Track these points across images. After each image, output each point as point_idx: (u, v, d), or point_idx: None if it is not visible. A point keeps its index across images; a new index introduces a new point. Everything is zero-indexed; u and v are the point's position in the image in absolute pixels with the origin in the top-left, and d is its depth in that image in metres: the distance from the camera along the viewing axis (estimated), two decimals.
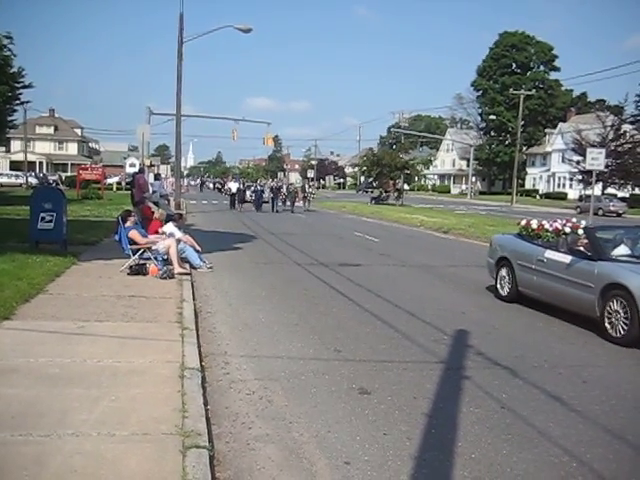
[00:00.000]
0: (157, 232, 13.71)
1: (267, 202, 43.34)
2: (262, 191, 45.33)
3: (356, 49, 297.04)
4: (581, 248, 10.01)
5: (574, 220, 10.85)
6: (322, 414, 5.81)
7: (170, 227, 14.16)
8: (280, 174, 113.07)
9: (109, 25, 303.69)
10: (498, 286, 11.90)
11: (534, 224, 11.41)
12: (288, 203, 43.14)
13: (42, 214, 13.89)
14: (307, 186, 47.04)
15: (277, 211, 41.03)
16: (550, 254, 10.56)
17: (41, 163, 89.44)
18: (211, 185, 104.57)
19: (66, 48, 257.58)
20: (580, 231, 10.43)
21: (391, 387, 6.62)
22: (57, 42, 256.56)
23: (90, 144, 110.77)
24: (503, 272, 11.78)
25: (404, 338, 8.59)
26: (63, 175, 74.14)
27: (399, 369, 7.26)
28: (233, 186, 44.01)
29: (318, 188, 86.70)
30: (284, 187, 46.39)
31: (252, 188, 46.33)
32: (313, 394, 6.33)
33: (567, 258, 10.11)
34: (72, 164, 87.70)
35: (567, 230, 10.60)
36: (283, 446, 5.11)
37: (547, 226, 11.00)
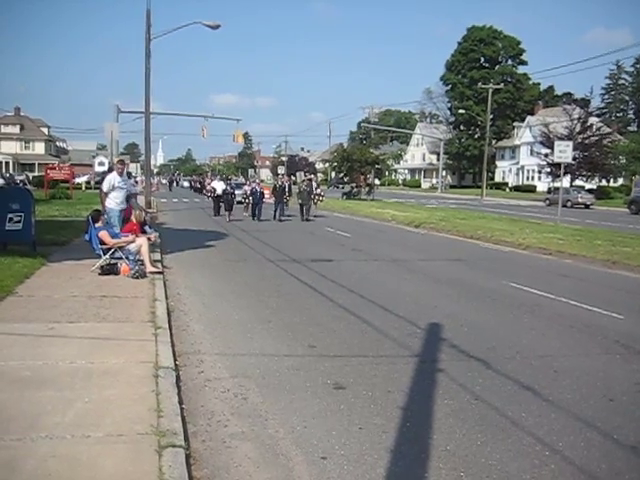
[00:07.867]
0: (131, 232, 13.55)
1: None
2: (262, 193, 31.98)
3: (320, 45, 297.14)
4: None
5: None
6: (297, 410, 5.82)
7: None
8: (251, 171, 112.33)
9: (75, 21, 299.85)
10: None
11: None
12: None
13: (10, 215, 13.64)
14: (314, 184, 34.10)
15: (280, 220, 30.21)
16: None
17: (7, 163, 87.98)
18: (186, 183, 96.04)
19: (31, 45, 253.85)
20: None
21: (366, 381, 6.65)
22: (22, 39, 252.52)
23: (57, 143, 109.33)
24: None
25: (378, 332, 8.63)
26: (30, 175, 72.76)
27: (373, 363, 7.29)
28: (218, 186, 32.87)
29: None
30: (287, 186, 33.80)
31: (247, 188, 33.62)
32: (288, 390, 6.34)
33: None
34: (39, 164, 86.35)
35: None
36: (259, 443, 5.11)
37: None
